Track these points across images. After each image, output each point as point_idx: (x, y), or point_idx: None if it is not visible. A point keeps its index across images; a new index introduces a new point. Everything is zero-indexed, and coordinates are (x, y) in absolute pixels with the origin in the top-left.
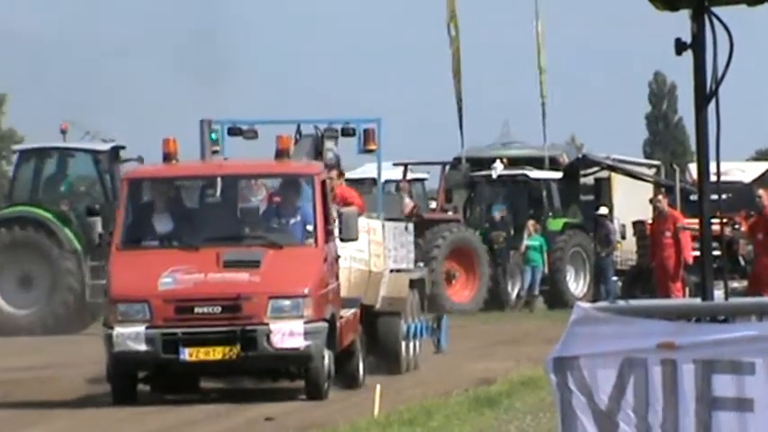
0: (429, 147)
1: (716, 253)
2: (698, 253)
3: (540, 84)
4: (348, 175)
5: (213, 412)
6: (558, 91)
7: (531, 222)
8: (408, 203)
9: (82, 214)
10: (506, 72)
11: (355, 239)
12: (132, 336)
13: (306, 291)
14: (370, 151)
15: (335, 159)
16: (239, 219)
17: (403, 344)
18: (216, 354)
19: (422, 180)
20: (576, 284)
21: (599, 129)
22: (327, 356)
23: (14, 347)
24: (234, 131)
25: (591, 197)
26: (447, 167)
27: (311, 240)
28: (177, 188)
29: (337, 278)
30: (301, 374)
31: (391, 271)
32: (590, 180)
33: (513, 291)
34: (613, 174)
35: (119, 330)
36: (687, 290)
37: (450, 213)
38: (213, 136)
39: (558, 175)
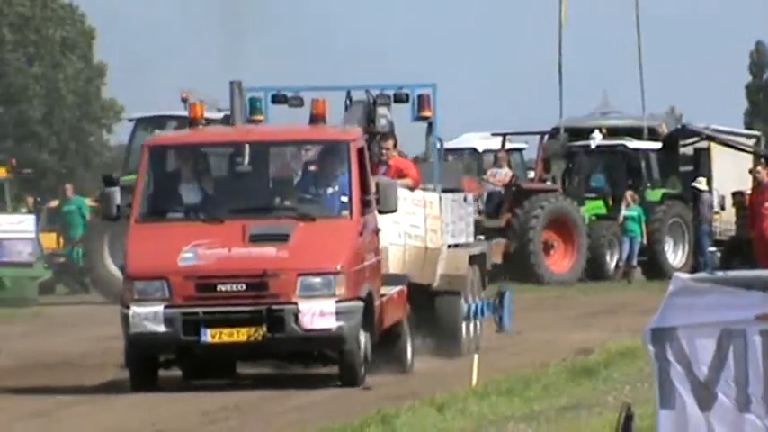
0: (528, 117)
1: None
2: None
3: (639, 53)
4: (447, 145)
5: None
6: (657, 61)
7: (629, 193)
8: (507, 173)
9: None
10: (605, 41)
11: (394, 211)
12: (150, 316)
13: (338, 267)
14: (425, 118)
15: (389, 126)
16: (269, 189)
17: (463, 324)
18: (240, 335)
19: (520, 150)
20: (675, 255)
21: (698, 99)
22: (364, 339)
23: None
24: (278, 99)
25: (690, 168)
26: (545, 137)
27: (346, 212)
28: (202, 156)
29: (377, 253)
30: (335, 358)
31: (449, 246)
32: (689, 150)
33: (612, 261)
34: (713, 144)
35: (135, 310)
36: None
37: (548, 183)
38: (256, 104)
39: (657, 145)
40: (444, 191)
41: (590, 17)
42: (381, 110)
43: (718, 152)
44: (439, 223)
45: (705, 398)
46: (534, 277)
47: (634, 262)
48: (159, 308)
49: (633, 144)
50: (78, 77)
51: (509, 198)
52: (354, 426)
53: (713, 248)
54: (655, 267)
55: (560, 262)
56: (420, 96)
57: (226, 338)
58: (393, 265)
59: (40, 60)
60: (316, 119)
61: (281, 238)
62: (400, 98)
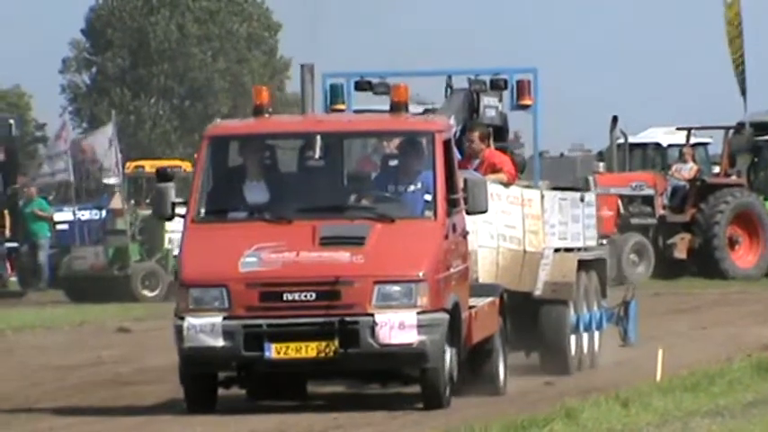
0: (713, 111)
1: None
2: None
3: None
4: (631, 139)
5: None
6: None
7: None
8: (692, 168)
9: None
10: None
11: (484, 212)
12: (207, 328)
13: (420, 274)
14: (525, 107)
15: (499, 118)
16: (343, 186)
17: (572, 337)
18: (309, 351)
19: (705, 144)
20: None
21: None
22: (449, 355)
23: None
24: (361, 86)
25: None
26: (731, 132)
27: (430, 212)
28: (268, 148)
29: (465, 259)
30: (416, 377)
31: (557, 250)
32: None
33: None
34: None
35: (191, 321)
36: None
37: (733, 178)
38: (338, 91)
39: None
40: (557, 188)
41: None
42: (489, 99)
43: None
44: (540, 224)
45: None
46: (719, 272)
47: None
48: (218, 319)
49: None
50: (263, 72)
51: (694, 193)
52: (539, 420)
53: None
54: None
55: (745, 257)
56: (519, 82)
57: (293, 354)
58: (484, 271)
59: (225, 55)
60: (397, 107)
61: (355, 242)
62: (497, 84)
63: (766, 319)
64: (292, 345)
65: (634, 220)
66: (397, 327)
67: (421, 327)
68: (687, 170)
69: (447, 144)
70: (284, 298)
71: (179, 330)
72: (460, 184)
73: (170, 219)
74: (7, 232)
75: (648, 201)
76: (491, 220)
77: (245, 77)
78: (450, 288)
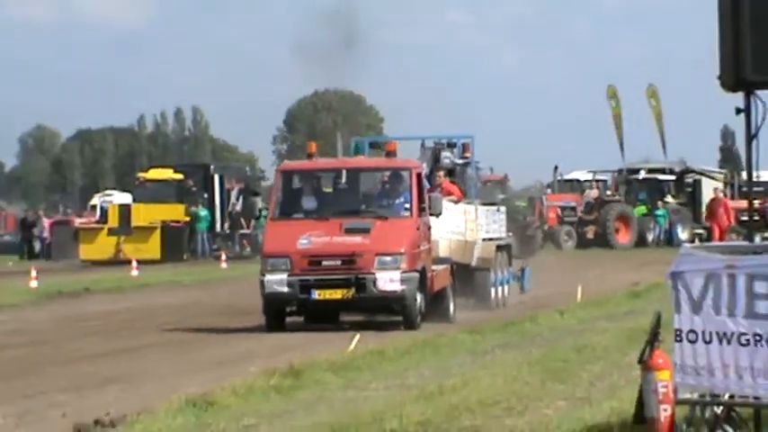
0: (605, 159)
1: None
2: None
3: None
4: (565, 177)
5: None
6: None
7: None
8: (596, 192)
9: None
10: None
11: (439, 215)
12: (278, 281)
13: (402, 249)
14: (467, 158)
15: (452, 164)
16: (359, 199)
17: (492, 290)
18: (337, 294)
19: (604, 181)
20: None
21: None
22: (419, 298)
23: None
24: (374, 145)
25: None
26: (616, 173)
27: (408, 214)
28: (316, 178)
29: (429, 242)
30: (399, 311)
31: (484, 240)
32: None
33: None
34: None
35: (268, 277)
36: None
37: (617, 197)
38: (359, 147)
39: None
40: (483, 204)
41: None
42: (446, 153)
43: None
44: (475, 224)
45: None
46: (609, 245)
47: None
48: (284, 276)
49: None
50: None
51: (597, 205)
52: (514, 323)
53: None
54: None
55: (623, 238)
56: (464, 144)
57: (328, 296)
58: (442, 250)
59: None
60: (389, 154)
61: (365, 231)
62: (450, 144)
63: (635, 268)
64: (327, 291)
65: (566, 219)
66: (389, 280)
67: (403, 280)
68: (593, 193)
69: (419, 175)
70: (323, 263)
71: (261, 283)
72: (426, 199)
73: (258, 218)
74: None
75: (573, 209)
76: (446, 222)
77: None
78: (420, 258)
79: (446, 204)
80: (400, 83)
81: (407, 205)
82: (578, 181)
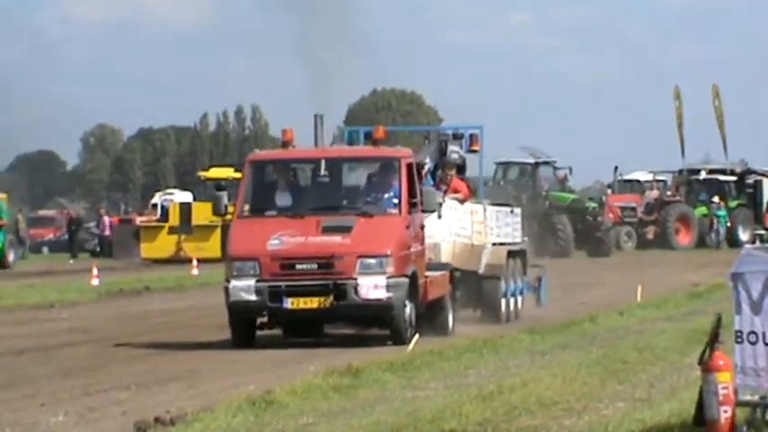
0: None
1: None
2: None
3: None
4: (625, 177)
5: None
6: None
7: None
8: (656, 193)
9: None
10: None
11: (433, 212)
12: (244, 288)
13: (388, 251)
14: (474, 151)
15: (461, 159)
16: (340, 193)
17: (502, 301)
18: (313, 303)
19: (664, 181)
20: None
21: None
22: (409, 308)
23: None
24: (368, 135)
25: None
26: (677, 174)
27: (396, 210)
28: (290, 169)
29: (422, 243)
30: (385, 322)
31: (493, 244)
32: None
33: None
34: None
35: (234, 284)
36: None
37: (677, 197)
38: (353, 138)
39: None
40: (494, 204)
41: None
42: (453, 146)
43: None
44: (483, 227)
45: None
46: (670, 246)
47: None
48: (251, 282)
49: None
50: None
51: (657, 205)
52: (573, 323)
53: None
54: None
55: (683, 238)
56: (471, 135)
57: (302, 305)
58: (444, 255)
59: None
60: (376, 142)
61: (346, 230)
62: (457, 136)
63: (695, 269)
64: (302, 299)
65: (626, 219)
66: (372, 287)
67: (389, 287)
68: (654, 194)
69: (410, 166)
70: (296, 267)
71: (226, 290)
72: (419, 193)
73: (224, 215)
74: None
75: (633, 209)
76: (450, 223)
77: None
78: (410, 261)
79: (450, 203)
80: (460, 83)
81: (395, 200)
82: (638, 181)
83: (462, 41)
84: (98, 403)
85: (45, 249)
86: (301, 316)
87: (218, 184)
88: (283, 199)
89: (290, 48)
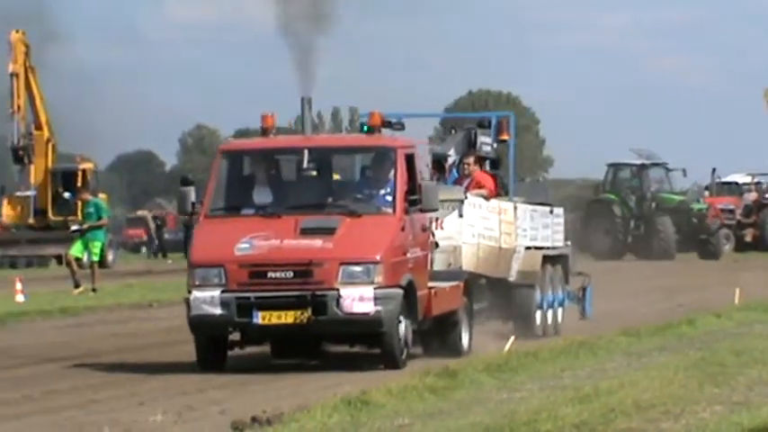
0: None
1: None
2: None
3: None
4: (723, 179)
5: None
6: None
7: None
8: (755, 195)
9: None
10: None
11: (435, 210)
12: (207, 299)
13: (377, 257)
14: (503, 141)
15: (493, 153)
16: (323, 189)
17: (538, 312)
18: (287, 318)
19: (763, 183)
20: None
21: None
22: (404, 324)
23: None
24: (386, 124)
25: None
26: None
27: (389, 209)
28: (267, 160)
29: (424, 248)
30: (374, 341)
31: (528, 248)
32: None
33: None
34: None
35: (196, 294)
36: None
37: None
38: (365, 128)
39: None
40: (532, 203)
41: None
42: (483, 137)
43: None
44: (513, 228)
45: None
46: None
47: None
48: (216, 292)
49: None
50: None
51: (755, 208)
52: (673, 324)
53: None
54: None
55: None
56: (499, 121)
57: (275, 320)
58: (466, 261)
59: None
60: (371, 129)
61: (328, 232)
62: (482, 123)
63: None
64: (274, 313)
65: (725, 222)
66: (357, 299)
67: (377, 299)
68: (752, 196)
69: (409, 157)
70: (268, 276)
71: (186, 302)
72: (419, 189)
73: (191, 215)
74: None
75: (731, 212)
76: (473, 223)
77: None
78: (405, 269)
79: (473, 200)
80: (556, 85)
81: (389, 197)
82: (737, 183)
83: (557, 43)
84: (196, 402)
85: (144, 249)
86: (274, 333)
87: (185, 178)
88: (259, 195)
89: (387, 49)
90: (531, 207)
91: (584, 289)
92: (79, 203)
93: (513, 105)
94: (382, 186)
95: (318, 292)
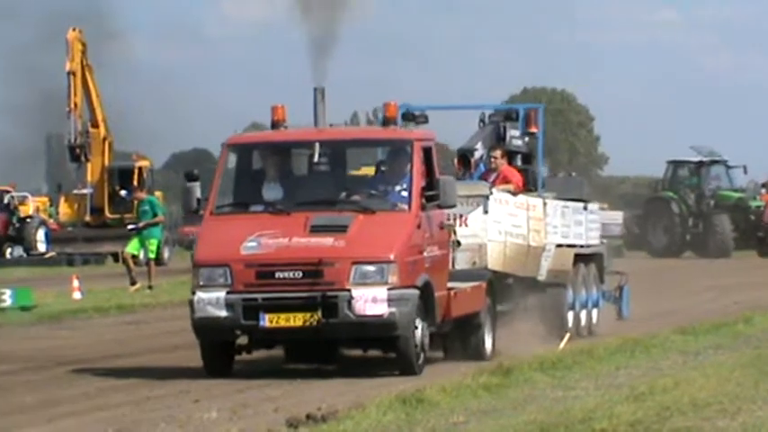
0: None
1: None
2: None
3: None
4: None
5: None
6: None
7: None
8: None
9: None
10: None
11: (453, 206)
12: (213, 301)
13: (391, 256)
14: (532, 133)
15: (526, 147)
16: (336, 184)
17: (570, 313)
18: (296, 320)
19: None
20: None
21: None
22: (421, 327)
23: None
24: (406, 117)
25: None
26: None
27: (404, 205)
28: (278, 154)
29: (442, 246)
30: (388, 346)
31: (558, 246)
32: None
33: None
34: None
35: (200, 295)
36: None
37: None
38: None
39: None
40: (566, 199)
41: None
42: (513, 131)
43: None
44: (542, 224)
45: None
46: None
47: None
48: (221, 294)
49: None
50: None
51: None
52: (726, 323)
53: None
54: None
55: None
56: (527, 113)
57: (283, 323)
58: (492, 259)
59: None
60: (387, 121)
61: (339, 229)
62: (510, 116)
63: None
64: (282, 315)
65: None
66: (370, 300)
67: (392, 300)
68: None
69: (426, 150)
70: (276, 276)
71: (190, 303)
72: (437, 185)
73: (196, 212)
74: None
75: None
76: (500, 219)
77: None
78: (421, 269)
79: (499, 196)
80: (612, 82)
81: (404, 193)
82: None
83: (612, 40)
84: (250, 399)
85: None
86: (282, 336)
87: (190, 173)
88: (268, 191)
89: (442, 47)
90: (562, 203)
91: (621, 288)
92: (135, 202)
93: (568, 103)
94: (398, 181)
95: (329, 294)
